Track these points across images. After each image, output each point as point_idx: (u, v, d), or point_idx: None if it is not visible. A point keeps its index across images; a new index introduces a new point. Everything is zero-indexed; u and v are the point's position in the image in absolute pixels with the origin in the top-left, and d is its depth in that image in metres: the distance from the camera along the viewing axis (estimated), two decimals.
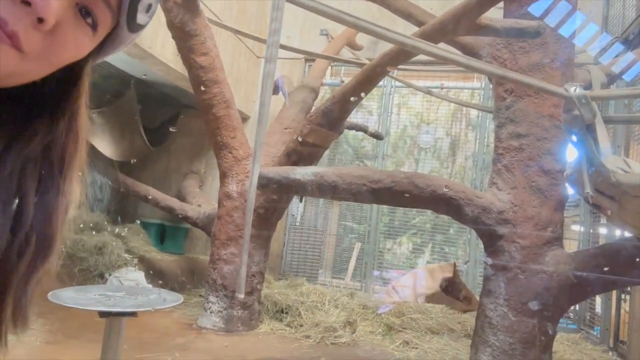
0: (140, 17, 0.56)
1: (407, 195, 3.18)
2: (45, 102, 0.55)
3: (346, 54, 6.69)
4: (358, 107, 6.02)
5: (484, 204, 3.15)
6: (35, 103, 0.54)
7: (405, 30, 3.35)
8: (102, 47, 0.57)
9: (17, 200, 0.52)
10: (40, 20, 0.46)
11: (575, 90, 2.45)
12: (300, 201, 6.67)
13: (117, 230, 6.28)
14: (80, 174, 0.60)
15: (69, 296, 2.58)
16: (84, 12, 0.50)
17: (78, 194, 0.60)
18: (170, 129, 7.35)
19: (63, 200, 0.57)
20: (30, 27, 0.46)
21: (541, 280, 3.02)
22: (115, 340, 2.53)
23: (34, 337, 3.57)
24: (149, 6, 0.56)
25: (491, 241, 3.20)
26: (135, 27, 0.57)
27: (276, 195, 4.62)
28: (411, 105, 7.30)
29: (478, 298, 3.59)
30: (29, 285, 0.55)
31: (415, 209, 6.68)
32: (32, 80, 0.51)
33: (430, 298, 5.49)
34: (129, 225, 6.67)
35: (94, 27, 0.52)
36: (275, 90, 5.62)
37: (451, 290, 5.72)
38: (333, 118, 4.20)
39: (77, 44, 0.51)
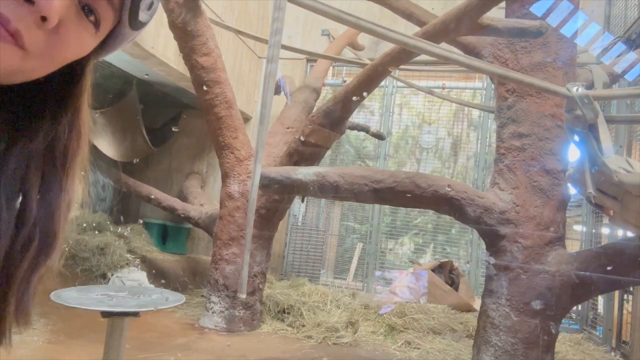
0: (142, 15, 0.56)
1: (409, 195, 3.18)
2: (48, 99, 0.55)
3: (348, 54, 6.69)
4: (360, 107, 6.03)
5: (486, 204, 3.15)
6: (38, 100, 0.55)
7: (407, 30, 3.35)
8: (104, 45, 0.57)
9: (20, 197, 0.52)
10: (44, 19, 0.46)
11: (577, 90, 2.45)
12: (302, 201, 6.65)
13: (119, 230, 6.29)
14: (82, 173, 0.60)
15: (72, 296, 2.58)
16: (87, 10, 0.51)
17: (80, 192, 0.61)
18: (172, 129, 7.37)
19: (66, 197, 0.57)
20: (34, 25, 0.46)
21: (543, 280, 3.01)
22: (117, 340, 2.53)
23: (37, 337, 3.58)
24: (151, 4, 0.57)
25: (493, 241, 3.20)
26: (137, 25, 0.57)
27: (278, 196, 4.62)
28: (413, 106, 7.30)
29: (480, 298, 3.58)
30: (31, 281, 0.55)
31: (417, 209, 6.67)
32: (35, 78, 0.51)
33: (431, 288, 5.52)
34: (131, 226, 6.68)
35: (96, 25, 0.52)
36: (277, 90, 5.62)
37: (441, 269, 5.89)
38: (335, 118, 4.20)
39: (79, 41, 0.52)
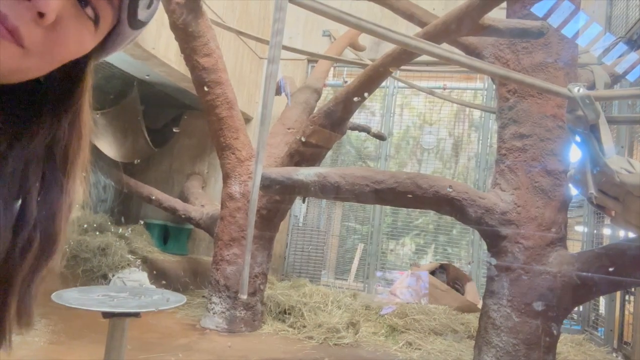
0: (142, 14, 0.56)
1: (410, 196, 3.17)
2: (49, 99, 0.55)
3: (349, 54, 6.69)
4: (361, 108, 6.02)
5: (487, 205, 3.14)
6: (38, 100, 0.54)
7: (408, 30, 3.35)
8: (105, 45, 0.57)
9: (20, 199, 0.52)
10: (41, 15, 0.45)
11: (578, 90, 2.45)
12: (303, 202, 6.66)
13: (120, 231, 6.29)
14: (83, 174, 0.60)
15: (73, 297, 2.58)
16: (83, 3, 0.50)
17: (81, 193, 0.60)
18: (174, 130, 7.37)
19: (66, 199, 0.56)
20: (31, 22, 0.45)
21: (545, 281, 3.01)
22: (118, 341, 2.53)
23: (38, 338, 3.58)
24: (150, 2, 0.56)
25: (494, 242, 3.19)
26: (136, 24, 0.56)
27: (279, 196, 4.62)
28: (414, 106, 7.30)
29: (481, 298, 3.58)
30: (32, 283, 0.55)
31: (418, 210, 6.67)
32: (34, 77, 0.50)
33: (429, 288, 5.53)
34: (132, 226, 6.69)
35: (95, 21, 0.52)
36: (278, 91, 5.62)
37: (442, 269, 5.90)
38: (336, 119, 4.20)
39: (79, 39, 0.51)
